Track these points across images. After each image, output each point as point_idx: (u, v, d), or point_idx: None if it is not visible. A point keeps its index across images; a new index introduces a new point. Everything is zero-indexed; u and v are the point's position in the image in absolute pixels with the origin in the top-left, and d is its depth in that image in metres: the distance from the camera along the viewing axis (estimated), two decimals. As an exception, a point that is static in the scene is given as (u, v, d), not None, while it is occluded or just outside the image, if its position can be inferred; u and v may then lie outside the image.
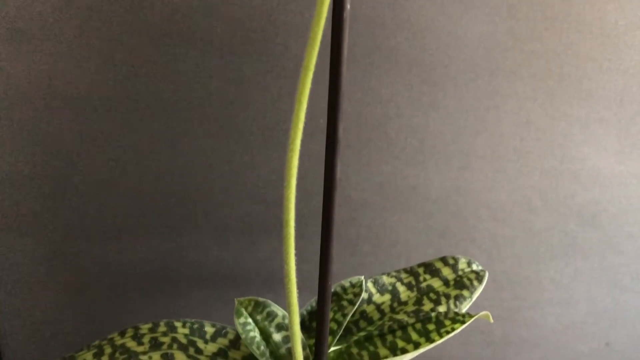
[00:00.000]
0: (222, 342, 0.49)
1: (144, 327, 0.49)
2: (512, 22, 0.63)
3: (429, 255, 0.71)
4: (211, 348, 0.48)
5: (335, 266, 0.42)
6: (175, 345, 0.47)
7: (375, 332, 0.48)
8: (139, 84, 0.62)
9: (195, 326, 0.49)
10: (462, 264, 0.55)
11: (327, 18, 0.32)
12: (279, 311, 0.49)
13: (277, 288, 0.70)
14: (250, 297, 0.48)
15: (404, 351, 0.45)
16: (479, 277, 0.53)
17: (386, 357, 0.44)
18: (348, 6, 0.33)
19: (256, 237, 0.69)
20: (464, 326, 0.44)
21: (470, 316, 0.45)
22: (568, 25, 0.64)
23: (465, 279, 0.54)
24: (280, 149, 0.66)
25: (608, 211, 0.73)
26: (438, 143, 0.68)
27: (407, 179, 0.69)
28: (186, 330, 0.49)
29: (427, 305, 0.51)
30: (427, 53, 0.64)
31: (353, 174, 0.68)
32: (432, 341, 0.44)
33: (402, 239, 0.71)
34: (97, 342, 0.49)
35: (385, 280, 0.54)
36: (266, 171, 0.67)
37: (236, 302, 0.48)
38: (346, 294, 0.52)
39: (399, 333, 0.47)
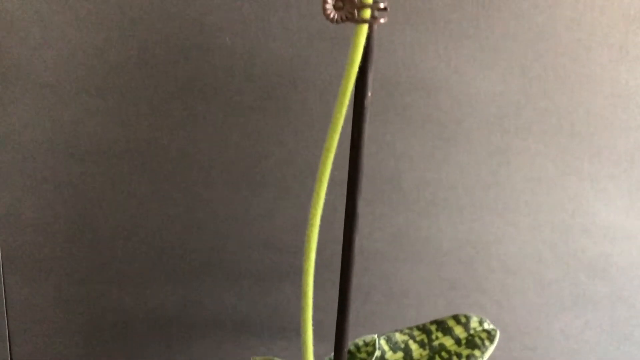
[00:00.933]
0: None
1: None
2: (525, 81, 0.65)
3: (440, 305, 0.72)
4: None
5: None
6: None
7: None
8: (161, 136, 0.64)
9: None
10: (474, 323, 0.56)
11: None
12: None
13: (290, 335, 0.71)
14: (266, 358, 0.49)
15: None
16: (490, 336, 0.54)
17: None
18: (369, 93, 0.35)
19: (270, 285, 0.70)
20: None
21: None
22: (580, 85, 0.65)
23: (477, 338, 0.54)
24: (296, 199, 0.67)
25: (618, 264, 0.74)
26: (450, 196, 0.69)
27: (420, 230, 0.70)
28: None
29: (439, 366, 0.52)
30: (440, 110, 0.65)
31: (367, 225, 0.69)
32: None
33: (414, 289, 0.72)
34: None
35: (398, 337, 0.55)
36: (281, 220, 0.68)
37: (252, 362, 0.50)
38: (359, 352, 0.53)
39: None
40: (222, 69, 0.62)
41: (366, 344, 0.52)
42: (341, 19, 0.32)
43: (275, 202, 0.67)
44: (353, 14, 0.32)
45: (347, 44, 0.65)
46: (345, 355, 0.44)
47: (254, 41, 0.61)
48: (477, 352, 0.53)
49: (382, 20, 0.32)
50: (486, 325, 0.55)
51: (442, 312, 0.72)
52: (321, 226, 0.68)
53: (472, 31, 0.63)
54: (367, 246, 0.70)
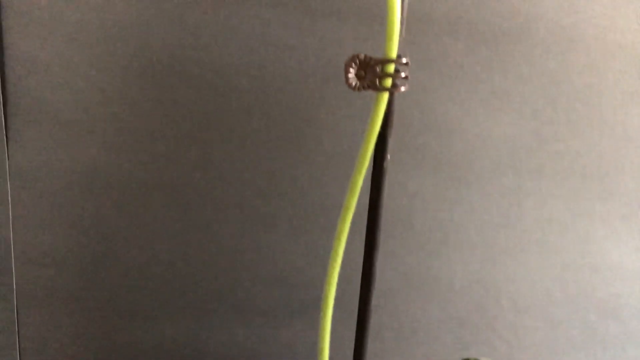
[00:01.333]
0: None
1: None
2: (537, 124, 0.65)
3: (450, 344, 0.72)
4: None
5: None
6: None
7: None
8: (176, 172, 0.65)
9: None
10: (485, 368, 0.56)
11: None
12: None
13: (299, 371, 0.72)
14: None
15: None
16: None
17: None
18: (388, 156, 0.36)
19: (281, 321, 0.70)
20: None
21: None
22: (591, 129, 0.66)
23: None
24: (308, 236, 0.68)
25: (629, 305, 0.74)
26: (462, 236, 0.69)
27: (431, 269, 0.70)
28: None
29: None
30: (453, 152, 0.66)
31: (378, 264, 0.69)
32: None
33: (424, 327, 0.72)
34: None
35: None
36: (292, 257, 0.69)
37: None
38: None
39: None
40: (239, 110, 0.63)
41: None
42: (363, 87, 0.33)
43: (287, 239, 0.68)
44: (374, 82, 0.33)
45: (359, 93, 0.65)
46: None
47: (270, 83, 0.62)
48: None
49: (402, 89, 0.33)
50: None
51: (452, 350, 0.72)
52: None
53: (485, 76, 0.63)
54: (378, 284, 0.70)
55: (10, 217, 0.64)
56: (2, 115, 0.61)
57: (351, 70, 0.32)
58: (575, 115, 0.65)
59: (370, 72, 0.32)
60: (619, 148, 0.67)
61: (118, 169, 0.64)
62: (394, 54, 0.32)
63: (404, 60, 0.32)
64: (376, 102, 0.34)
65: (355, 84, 0.33)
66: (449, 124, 0.65)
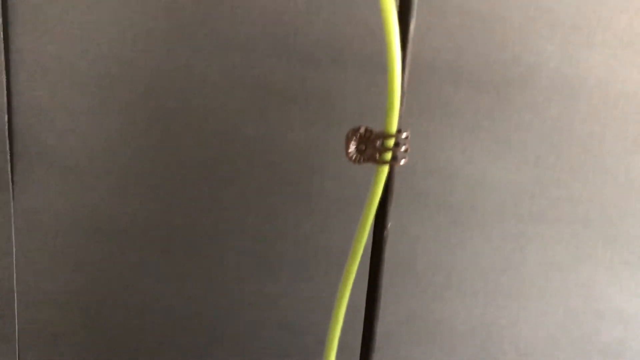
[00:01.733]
0: None
1: None
2: (539, 170, 0.66)
3: (453, 388, 0.72)
4: None
5: None
6: None
7: None
8: (179, 217, 0.65)
9: None
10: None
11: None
12: None
13: (300, 415, 0.71)
14: None
15: None
16: None
17: None
18: (389, 224, 0.36)
19: (282, 364, 0.70)
20: None
21: None
22: (594, 175, 0.66)
23: None
24: (310, 281, 0.68)
25: (633, 349, 0.73)
26: (464, 280, 0.69)
27: (433, 313, 0.70)
28: None
29: None
30: (455, 197, 0.66)
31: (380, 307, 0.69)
32: None
33: (426, 371, 0.72)
34: None
35: None
36: (295, 301, 0.69)
37: None
38: None
39: None
40: (242, 156, 0.63)
41: None
42: (363, 160, 0.33)
43: (289, 284, 0.68)
44: (374, 156, 0.33)
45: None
46: None
47: (274, 129, 0.63)
48: None
49: (402, 162, 0.33)
50: None
51: (454, 395, 0.72)
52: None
53: (486, 123, 0.64)
54: (380, 327, 0.70)
55: (14, 260, 0.65)
56: (8, 159, 0.62)
57: (351, 144, 0.33)
58: (577, 162, 0.65)
59: (371, 145, 0.33)
60: (621, 194, 0.67)
61: (121, 214, 0.64)
62: (393, 128, 0.33)
63: (404, 135, 0.33)
64: (376, 174, 0.34)
65: (356, 158, 0.33)
66: (451, 170, 0.65)
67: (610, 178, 0.66)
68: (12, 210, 0.63)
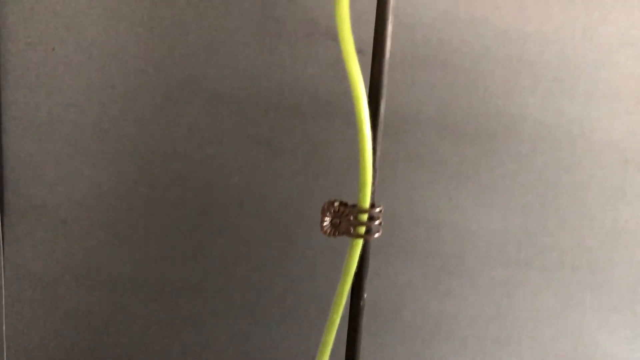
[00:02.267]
0: None
1: None
2: (525, 218, 0.66)
3: None
4: None
5: None
6: None
7: None
8: (168, 266, 0.65)
9: None
10: None
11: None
12: None
13: None
14: None
15: None
16: None
17: None
18: (365, 295, 0.36)
19: (272, 412, 0.70)
20: None
21: None
22: (580, 223, 0.66)
23: None
24: (298, 329, 0.68)
25: (624, 395, 0.73)
26: (453, 327, 0.69)
27: (423, 359, 0.70)
28: None
29: None
30: (442, 245, 0.67)
31: (369, 355, 0.69)
32: None
33: (416, 419, 0.71)
34: None
35: None
36: (283, 349, 0.69)
37: None
38: None
39: None
40: (231, 205, 0.64)
41: None
42: (338, 233, 0.34)
43: (277, 331, 0.68)
44: (349, 230, 0.34)
45: (351, 181, 0.67)
46: None
47: (261, 180, 0.63)
48: None
49: (376, 235, 0.34)
50: None
51: None
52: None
53: (472, 172, 0.64)
54: (369, 375, 0.70)
55: (4, 309, 0.65)
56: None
57: (326, 218, 0.33)
58: (563, 210, 0.66)
59: (345, 220, 0.33)
60: (607, 241, 0.67)
61: (110, 264, 0.65)
62: (367, 203, 0.33)
63: (378, 209, 0.33)
64: (350, 247, 0.35)
65: (330, 231, 0.34)
66: (438, 218, 0.66)
67: (596, 225, 0.67)
68: (2, 261, 0.64)
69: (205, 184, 0.64)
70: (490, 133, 0.64)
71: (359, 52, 0.58)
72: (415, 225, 0.66)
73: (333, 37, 0.61)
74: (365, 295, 0.37)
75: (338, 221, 0.34)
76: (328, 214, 0.33)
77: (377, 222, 0.34)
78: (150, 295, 0.66)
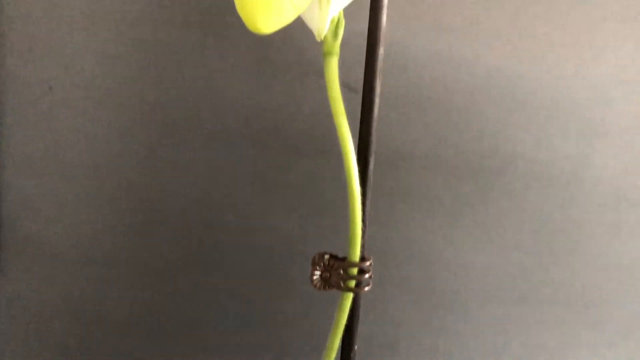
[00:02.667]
0: None
1: None
2: (520, 255, 0.66)
3: None
4: None
5: None
6: None
7: None
8: (163, 303, 0.65)
9: None
10: None
11: None
12: None
13: None
14: None
15: None
16: None
17: None
18: (355, 347, 0.36)
19: None
20: None
21: None
22: (574, 259, 0.67)
23: None
24: (294, 364, 0.68)
25: None
26: (448, 363, 0.69)
27: (418, 396, 0.70)
28: None
29: None
30: (437, 281, 0.67)
31: (364, 391, 0.69)
32: None
33: None
34: None
35: None
36: (279, 385, 0.68)
37: None
38: None
39: None
40: (226, 243, 0.64)
41: None
42: (328, 286, 0.34)
43: (273, 368, 0.68)
44: (339, 283, 0.34)
45: (346, 218, 0.67)
46: None
47: (256, 218, 0.64)
48: None
49: (366, 288, 0.34)
50: None
51: None
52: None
53: (466, 209, 0.65)
54: (364, 412, 0.70)
55: (-2, 347, 0.65)
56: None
57: (316, 272, 0.34)
58: (557, 246, 0.66)
59: (335, 273, 0.34)
60: (602, 277, 0.67)
61: (106, 298, 0.65)
62: (357, 257, 0.33)
63: (368, 263, 0.33)
64: (341, 300, 0.35)
65: (320, 285, 0.34)
66: (433, 255, 0.66)
67: (591, 261, 0.67)
68: (-3, 297, 0.64)
69: (200, 221, 0.64)
70: (484, 170, 0.64)
71: (353, 90, 0.58)
72: (410, 261, 0.66)
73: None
74: (356, 347, 0.37)
75: (328, 274, 0.34)
76: (318, 267, 0.33)
77: (367, 276, 0.34)
78: (146, 332, 0.66)
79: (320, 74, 0.62)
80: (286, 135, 0.62)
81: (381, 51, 0.35)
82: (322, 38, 0.32)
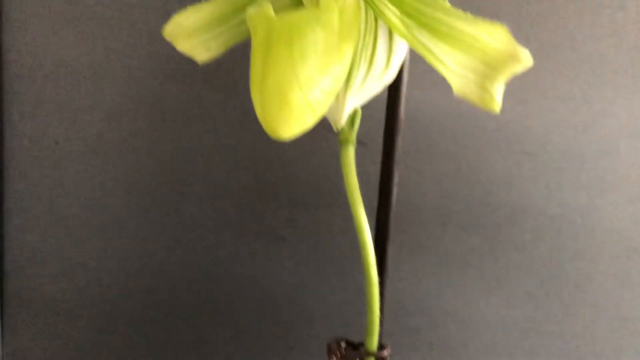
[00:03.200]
0: None
1: None
2: (530, 306, 0.66)
3: None
4: None
5: None
6: None
7: None
8: (168, 357, 0.65)
9: None
10: None
11: None
12: None
13: None
14: None
15: None
16: None
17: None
18: None
19: None
20: None
21: None
22: (585, 310, 0.66)
23: None
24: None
25: None
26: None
27: None
28: None
29: None
30: (447, 333, 0.66)
31: None
32: None
33: None
34: None
35: None
36: None
37: None
38: None
39: None
40: (232, 296, 0.63)
41: None
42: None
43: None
44: (357, 367, 0.33)
45: (353, 272, 0.66)
46: None
47: (264, 271, 0.63)
48: None
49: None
50: None
51: None
52: None
53: (475, 261, 0.64)
54: None
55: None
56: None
57: (334, 358, 0.33)
58: (568, 298, 0.66)
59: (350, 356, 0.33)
60: (613, 329, 0.67)
61: (109, 354, 0.64)
62: (374, 346, 0.33)
63: (385, 353, 0.33)
64: (358, 387, 0.34)
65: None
66: (442, 307, 0.65)
67: (601, 313, 0.66)
68: (1, 351, 0.63)
69: (206, 274, 0.63)
70: (492, 223, 0.63)
71: (361, 143, 0.58)
72: (419, 315, 0.65)
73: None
74: None
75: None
76: (334, 357, 0.33)
77: (386, 353, 0.33)
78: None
79: (328, 127, 0.61)
80: (293, 188, 0.62)
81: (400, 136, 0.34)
82: (339, 128, 0.32)
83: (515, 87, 0.61)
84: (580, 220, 0.64)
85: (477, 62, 0.27)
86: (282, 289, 0.64)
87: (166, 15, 0.33)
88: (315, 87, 0.26)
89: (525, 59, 0.27)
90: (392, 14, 0.27)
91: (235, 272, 0.63)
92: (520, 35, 0.29)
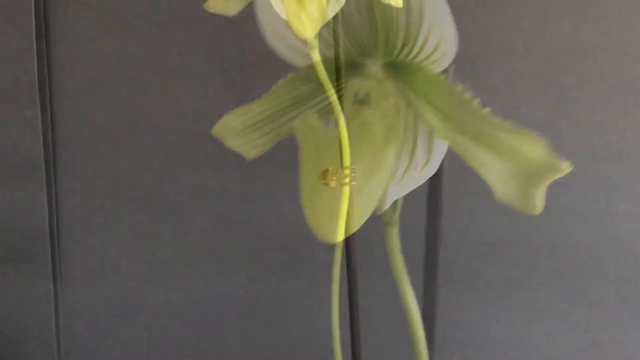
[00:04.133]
0: None
1: None
2: (574, 334, 0.66)
3: None
4: None
5: None
6: None
7: None
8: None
9: None
10: None
11: None
12: None
13: None
14: None
15: None
16: None
17: None
18: None
19: None
20: None
21: None
22: (627, 337, 0.66)
23: None
24: None
25: None
26: None
27: None
28: None
29: None
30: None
31: None
32: None
33: None
34: None
35: None
36: None
37: None
38: None
39: None
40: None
41: None
42: None
43: None
44: None
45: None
46: None
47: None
48: None
49: None
50: None
51: None
52: None
53: (517, 294, 0.65)
54: None
55: None
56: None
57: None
58: (610, 325, 0.66)
59: None
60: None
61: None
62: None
63: None
64: None
65: None
66: (487, 338, 0.66)
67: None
68: None
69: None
70: (533, 254, 0.64)
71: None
72: (464, 347, 0.66)
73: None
74: None
75: None
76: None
77: None
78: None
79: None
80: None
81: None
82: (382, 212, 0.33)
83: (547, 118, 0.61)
84: (620, 249, 0.64)
85: (518, 170, 0.28)
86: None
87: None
88: (363, 192, 0.27)
89: (565, 169, 0.28)
90: (433, 118, 0.28)
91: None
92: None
